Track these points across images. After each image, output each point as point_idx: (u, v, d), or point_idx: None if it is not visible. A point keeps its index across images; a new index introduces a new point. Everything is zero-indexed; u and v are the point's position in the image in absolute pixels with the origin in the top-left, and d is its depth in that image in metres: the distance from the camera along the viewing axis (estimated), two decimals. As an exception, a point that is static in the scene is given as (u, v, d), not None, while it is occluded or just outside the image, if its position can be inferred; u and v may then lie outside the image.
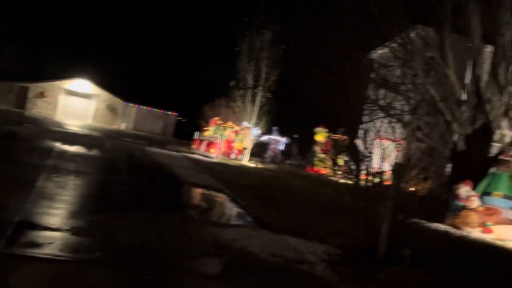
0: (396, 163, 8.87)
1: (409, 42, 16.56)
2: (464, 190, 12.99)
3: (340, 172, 26.21)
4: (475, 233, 12.07)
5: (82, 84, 41.83)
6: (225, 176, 15.60)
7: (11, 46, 35.77)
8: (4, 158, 11.16)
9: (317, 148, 27.14)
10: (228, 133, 24.78)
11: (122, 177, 11.84)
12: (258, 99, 25.14)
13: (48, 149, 14.43)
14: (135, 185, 11.23)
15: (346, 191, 9.89)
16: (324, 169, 25.84)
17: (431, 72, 18.11)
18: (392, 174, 8.49)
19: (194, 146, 24.20)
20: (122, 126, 42.18)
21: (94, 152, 16.03)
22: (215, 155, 23.09)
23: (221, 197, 11.82)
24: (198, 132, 27.42)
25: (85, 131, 26.39)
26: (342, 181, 22.96)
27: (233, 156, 25.41)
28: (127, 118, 43.62)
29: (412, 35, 16.86)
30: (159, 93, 45.57)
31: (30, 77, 41.16)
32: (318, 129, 27.25)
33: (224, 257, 6.42)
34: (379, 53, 18.73)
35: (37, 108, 40.96)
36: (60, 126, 26.63)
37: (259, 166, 23.40)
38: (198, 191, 12.22)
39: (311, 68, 14.22)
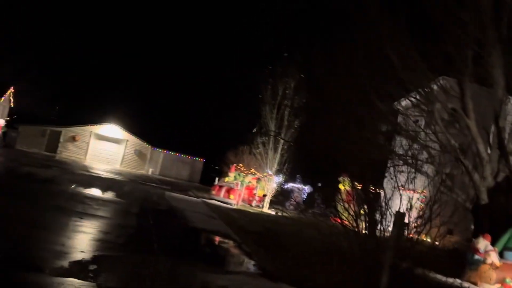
0: (396, 212, 8.55)
1: (429, 92, 16.31)
2: (482, 244, 12.43)
3: (361, 223, 25.72)
4: (492, 289, 11.47)
5: (111, 129, 42.55)
6: (239, 223, 15.38)
7: (42, 91, 36.91)
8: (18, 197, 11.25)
9: (340, 198, 26.61)
10: (249, 180, 24.61)
11: (128, 221, 11.72)
12: (280, 146, 25.03)
13: (63, 191, 14.56)
14: (140, 229, 11.09)
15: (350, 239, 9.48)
16: (346, 220, 25.37)
17: (452, 123, 17.77)
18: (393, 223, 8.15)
19: (213, 192, 24.06)
20: (149, 171, 42.45)
21: (108, 195, 16.05)
22: (234, 201, 22.89)
23: (227, 243, 11.59)
24: (218, 178, 27.34)
25: (109, 175, 26.61)
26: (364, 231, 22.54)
27: (254, 203, 25.17)
28: (155, 163, 43.94)
29: (433, 85, 16.64)
30: (188, 139, 45.91)
31: (62, 121, 42.18)
32: (341, 178, 26.85)
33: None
34: (403, 104, 18.46)
35: (68, 152, 41.70)
36: (86, 170, 26.97)
37: (279, 214, 23.05)
38: (204, 237, 12.02)
39: (332, 116, 14.13)
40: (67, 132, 42.33)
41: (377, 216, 11.08)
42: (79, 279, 6.08)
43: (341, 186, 27.11)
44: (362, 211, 14.90)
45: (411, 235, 23.04)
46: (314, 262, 9.84)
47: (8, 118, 33.93)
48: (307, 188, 29.99)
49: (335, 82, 13.79)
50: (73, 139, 42.39)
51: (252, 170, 25.56)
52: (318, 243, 12.94)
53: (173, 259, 8.47)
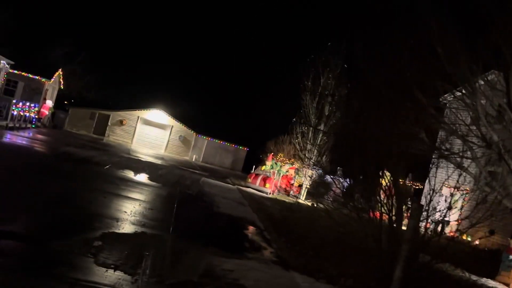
0: (413, 203, 8.19)
1: (474, 86, 15.60)
2: (516, 244, 11.84)
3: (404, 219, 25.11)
4: (526, 293, 10.90)
5: (157, 115, 43.12)
6: (268, 211, 15.22)
7: (92, 75, 37.87)
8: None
9: (380, 192, 26.06)
10: (286, 169, 24.37)
11: (152, 202, 11.76)
12: (319, 137, 24.64)
13: (98, 171, 14.85)
14: (162, 211, 11.11)
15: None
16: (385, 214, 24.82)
17: (498, 119, 16.98)
18: (410, 215, 7.80)
19: (249, 180, 23.97)
20: (193, 157, 42.81)
21: (140, 177, 16.21)
22: (270, 190, 22.74)
23: (248, 230, 11.47)
24: (255, 167, 27.23)
25: (149, 159, 26.97)
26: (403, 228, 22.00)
27: (291, 193, 24.94)
28: (199, 150, 44.28)
29: (481, 80, 15.95)
30: (232, 128, 46.00)
31: (110, 105, 43.06)
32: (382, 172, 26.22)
33: (200, 287, 6.06)
34: (449, 100, 17.70)
35: (115, 136, 42.56)
36: (128, 153, 27.42)
37: (315, 205, 22.73)
38: (226, 221, 11.94)
39: (374, 110, 13.82)
40: (115, 115, 43.16)
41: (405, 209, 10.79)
42: (81, 254, 6.12)
43: (382, 181, 26.57)
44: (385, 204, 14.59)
45: (452, 234, 22.33)
46: (332, 253, 9.60)
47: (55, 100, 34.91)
48: (347, 181, 29.50)
49: (378, 75, 13.43)
50: (121, 123, 43.19)
51: (291, 160, 25.32)
52: (343, 236, 12.66)
53: (186, 241, 8.42)
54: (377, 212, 26.33)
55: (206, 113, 53.37)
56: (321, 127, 24.46)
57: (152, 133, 43.92)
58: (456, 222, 23.14)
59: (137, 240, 7.69)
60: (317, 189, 28.11)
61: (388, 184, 11.61)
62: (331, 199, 28.15)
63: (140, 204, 10.88)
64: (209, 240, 8.85)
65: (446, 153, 16.46)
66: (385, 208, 9.91)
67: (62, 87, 34.83)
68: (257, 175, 24.09)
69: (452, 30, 15.93)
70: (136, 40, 65.70)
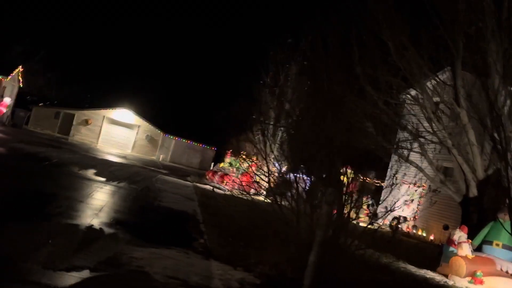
0: (329, 189, 8.07)
1: (422, 82, 15.63)
2: (457, 235, 11.83)
3: (362, 216, 25.12)
4: (462, 282, 10.88)
5: (124, 114, 42.65)
6: (216, 206, 15.01)
7: (53, 73, 37.21)
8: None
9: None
10: (246, 167, 24.17)
11: (85, 195, 11.47)
12: (279, 134, 24.50)
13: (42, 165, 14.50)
14: (93, 203, 10.80)
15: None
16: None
17: (448, 116, 17.08)
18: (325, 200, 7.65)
19: (207, 177, 23.76)
20: (160, 157, 42.41)
21: (87, 173, 15.88)
22: (227, 187, 22.53)
23: (185, 222, 11.24)
24: (213, 164, 27.03)
25: (109, 157, 26.55)
26: (362, 225, 22.00)
27: (252, 191, 24.74)
28: (166, 150, 43.90)
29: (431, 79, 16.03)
30: (199, 127, 45.60)
31: (75, 104, 42.42)
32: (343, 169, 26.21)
33: (102, 273, 5.82)
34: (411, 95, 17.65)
35: (81, 135, 41.96)
36: (87, 152, 26.96)
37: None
38: (163, 214, 11.70)
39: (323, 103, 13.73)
40: (80, 115, 42.60)
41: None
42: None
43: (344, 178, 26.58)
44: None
45: (408, 229, 22.32)
46: (264, 245, 9.40)
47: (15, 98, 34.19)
48: (310, 179, 29.43)
49: (327, 68, 13.35)
50: (86, 122, 42.61)
51: (249, 157, 25.13)
52: (284, 228, 12.49)
53: (102, 231, 8.14)
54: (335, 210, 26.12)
55: (175, 112, 52.92)
56: (281, 123, 24.34)
57: (118, 133, 43.43)
58: (412, 218, 23.14)
59: (48, 228, 7.41)
60: (279, 187, 28.03)
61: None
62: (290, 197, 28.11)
63: (68, 195, 10.59)
64: (131, 230, 8.60)
65: (392, 146, 16.52)
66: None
67: (21, 85, 34.17)
68: (215, 172, 23.84)
69: (399, 23, 16.00)
70: (99, 36, 64.72)
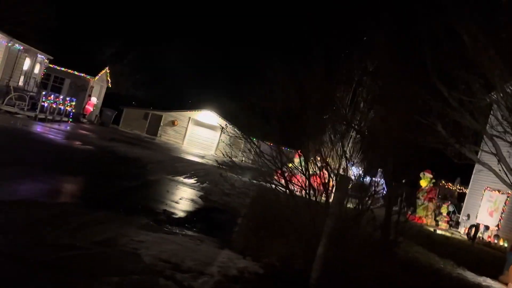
0: (340, 175, 7.46)
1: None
2: (520, 242, 10.63)
3: (442, 223, 23.61)
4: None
5: (208, 116, 43.36)
6: (266, 205, 14.62)
7: (141, 74, 38.65)
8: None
9: (420, 195, 24.81)
10: (317, 168, 23.56)
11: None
12: (352, 134, 23.63)
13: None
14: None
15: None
16: (425, 218, 23.44)
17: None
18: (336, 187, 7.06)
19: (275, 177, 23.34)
20: (242, 160, 42.65)
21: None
22: (295, 188, 22.03)
23: (226, 216, 11.02)
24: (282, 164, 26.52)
25: (191, 158, 27.02)
26: (441, 232, 20.72)
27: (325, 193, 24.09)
28: (249, 152, 44.06)
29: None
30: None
31: (162, 105, 43.79)
32: (423, 173, 24.92)
33: (89, 253, 5.68)
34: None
35: (167, 136, 43.22)
36: (176, 153, 27.60)
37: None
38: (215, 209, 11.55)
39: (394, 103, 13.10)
40: (167, 116, 43.84)
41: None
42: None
43: (421, 183, 25.15)
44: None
45: (489, 239, 20.71)
46: (286, 236, 8.93)
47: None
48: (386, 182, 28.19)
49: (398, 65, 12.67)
50: (173, 123, 43.78)
51: (327, 159, 24.47)
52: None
53: (120, 214, 8.07)
54: (417, 216, 24.74)
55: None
56: (355, 124, 23.49)
57: (203, 134, 44.20)
58: (495, 227, 21.29)
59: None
60: (357, 191, 27.08)
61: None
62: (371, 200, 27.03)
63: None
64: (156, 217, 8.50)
65: (461, 146, 15.30)
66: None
67: (110, 86, 35.77)
68: (283, 172, 23.43)
69: (476, 16, 14.79)
70: (184, 39, 66.22)
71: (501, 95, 14.61)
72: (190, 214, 10.22)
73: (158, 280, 5.29)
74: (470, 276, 10.60)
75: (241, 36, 71.65)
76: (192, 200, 12.21)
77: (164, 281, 5.29)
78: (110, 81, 35.25)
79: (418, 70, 13.09)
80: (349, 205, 16.86)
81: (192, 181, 15.83)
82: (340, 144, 23.86)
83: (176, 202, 11.19)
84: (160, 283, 5.22)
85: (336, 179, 12.23)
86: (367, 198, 8.26)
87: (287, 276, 6.56)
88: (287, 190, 9.59)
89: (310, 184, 9.95)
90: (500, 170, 16.32)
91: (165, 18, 63.12)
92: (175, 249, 6.66)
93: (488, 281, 10.47)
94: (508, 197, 20.54)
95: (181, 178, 15.73)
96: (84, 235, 6.32)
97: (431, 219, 23.38)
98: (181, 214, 9.94)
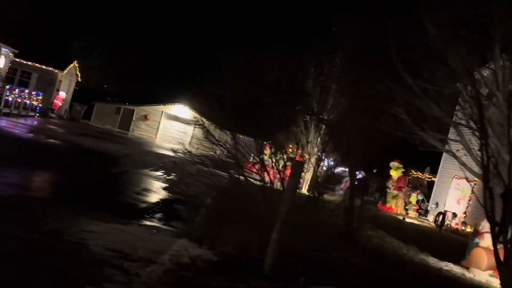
0: (295, 161, 7.43)
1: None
2: (481, 226, 10.73)
3: (411, 211, 23.81)
4: (482, 275, 9.83)
5: (181, 110, 43.01)
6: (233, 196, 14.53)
7: (111, 68, 38.11)
8: None
9: (390, 184, 24.99)
10: (287, 160, 23.49)
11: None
12: (323, 127, 23.61)
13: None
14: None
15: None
16: (395, 207, 23.63)
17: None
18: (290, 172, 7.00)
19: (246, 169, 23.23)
20: (217, 153, 42.42)
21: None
22: (267, 179, 21.96)
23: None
24: (252, 156, 26.47)
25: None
26: (410, 221, 20.90)
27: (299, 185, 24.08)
28: (221, 146, 43.85)
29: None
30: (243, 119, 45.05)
31: (134, 100, 43.28)
32: (393, 163, 25.09)
33: (35, 244, 5.52)
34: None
35: (140, 130, 42.73)
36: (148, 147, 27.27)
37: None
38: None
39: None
40: (140, 111, 43.34)
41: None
42: None
43: (391, 172, 25.33)
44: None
45: (457, 226, 20.91)
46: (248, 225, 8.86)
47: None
48: (360, 174, 28.33)
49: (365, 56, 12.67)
50: (145, 118, 43.34)
51: (293, 150, 24.46)
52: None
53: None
54: (387, 205, 24.76)
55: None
56: (324, 116, 23.46)
57: (176, 128, 43.84)
58: (462, 214, 21.52)
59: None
60: (328, 182, 27.16)
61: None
62: (341, 192, 27.19)
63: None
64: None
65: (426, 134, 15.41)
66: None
67: (80, 80, 35.18)
68: (254, 163, 23.33)
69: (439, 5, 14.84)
70: (157, 33, 65.31)
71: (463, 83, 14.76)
72: (150, 205, 10.08)
73: (103, 269, 5.16)
74: (433, 261, 10.67)
75: (213, 30, 71.04)
76: (155, 192, 12.06)
77: (110, 270, 5.15)
78: (80, 75, 34.63)
79: (384, 59, 13.12)
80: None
81: (158, 173, 15.66)
82: (310, 135, 23.81)
83: (138, 194, 11.04)
84: (105, 272, 5.09)
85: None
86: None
87: (242, 263, 6.48)
88: (254, 180, 9.51)
89: (266, 171, 9.92)
90: (464, 156, 16.53)
91: (136, 11, 62.29)
92: (127, 239, 6.53)
93: (450, 265, 10.54)
94: (475, 184, 20.81)
95: (147, 171, 15.55)
96: (36, 227, 6.16)
97: (401, 208, 23.56)
98: (141, 205, 9.80)
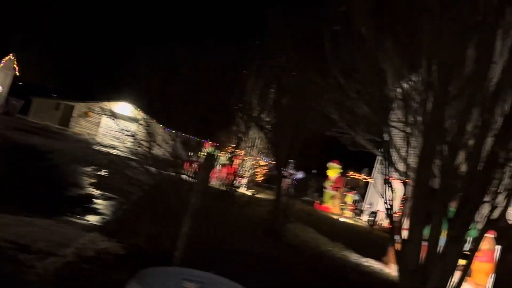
0: (207, 154, 7.42)
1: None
2: (403, 224, 10.98)
3: (347, 211, 24.21)
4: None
5: (124, 107, 42.27)
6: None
7: (50, 63, 37.04)
8: None
9: (327, 184, 25.35)
10: (228, 159, 23.44)
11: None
12: (265, 126, 23.67)
13: None
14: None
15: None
16: (332, 207, 23.98)
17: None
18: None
19: (184, 167, 23.02)
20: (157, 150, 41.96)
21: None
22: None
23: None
24: (191, 153, 26.31)
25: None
26: (344, 220, 21.23)
27: (236, 183, 24.04)
28: (166, 144, 43.37)
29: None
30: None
31: (75, 96, 42.26)
32: (331, 164, 25.46)
33: None
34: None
35: (80, 127, 41.73)
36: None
37: (259, 195, 21.80)
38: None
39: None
40: (80, 107, 42.34)
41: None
42: None
43: (329, 173, 25.71)
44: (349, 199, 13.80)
45: (389, 225, 21.34)
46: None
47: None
48: (300, 174, 28.62)
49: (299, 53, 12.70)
50: (86, 114, 42.39)
51: (233, 150, 24.42)
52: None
53: None
54: (324, 205, 25.04)
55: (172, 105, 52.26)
56: (265, 116, 23.53)
57: (118, 126, 42.97)
58: (395, 215, 22.10)
59: None
60: (268, 181, 27.27)
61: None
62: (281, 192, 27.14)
63: None
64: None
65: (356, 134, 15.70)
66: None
67: (17, 73, 33.98)
68: (192, 162, 23.14)
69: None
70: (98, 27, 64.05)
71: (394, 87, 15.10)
72: (69, 199, 9.80)
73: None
74: (355, 257, 10.87)
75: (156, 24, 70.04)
76: (80, 187, 11.75)
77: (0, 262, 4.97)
78: (17, 69, 33.43)
79: (320, 59, 13.25)
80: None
81: (89, 169, 15.27)
82: (249, 135, 23.79)
83: (62, 188, 10.72)
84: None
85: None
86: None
87: (150, 256, 6.37)
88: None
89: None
90: (395, 157, 16.89)
91: (79, 4, 60.78)
92: (30, 231, 6.31)
93: (371, 261, 10.76)
94: (406, 185, 21.39)
95: (78, 167, 15.13)
96: None
97: (338, 207, 23.94)
98: (61, 199, 9.53)
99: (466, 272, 5.43)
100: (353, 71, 16.00)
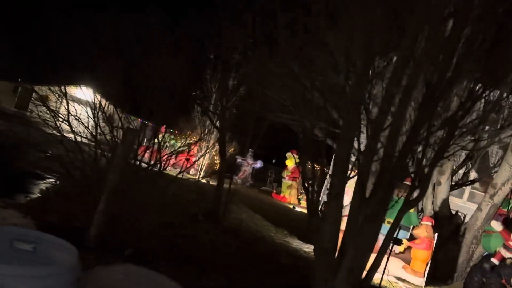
0: (128, 128, 7.18)
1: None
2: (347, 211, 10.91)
3: (303, 201, 24.14)
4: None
5: (84, 91, 41.40)
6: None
7: (10, 43, 35.79)
8: None
9: (285, 174, 25.24)
10: (182, 145, 23.09)
11: None
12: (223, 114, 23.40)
13: None
14: None
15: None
16: (289, 196, 23.88)
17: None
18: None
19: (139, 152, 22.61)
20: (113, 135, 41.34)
21: None
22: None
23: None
24: (147, 139, 25.90)
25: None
26: (300, 210, 21.13)
27: (192, 171, 23.74)
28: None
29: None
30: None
31: (34, 79, 41.14)
32: (289, 154, 25.35)
33: None
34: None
35: (39, 111, 40.69)
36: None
37: (213, 183, 21.55)
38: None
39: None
40: (39, 91, 41.18)
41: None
42: None
43: (287, 162, 25.59)
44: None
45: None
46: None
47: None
48: (258, 163, 28.48)
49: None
50: (45, 98, 41.25)
51: (188, 136, 24.12)
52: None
53: None
54: (281, 194, 24.80)
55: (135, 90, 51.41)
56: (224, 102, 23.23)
57: (77, 110, 42.13)
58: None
59: None
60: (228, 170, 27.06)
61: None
62: (239, 180, 27.00)
63: None
64: None
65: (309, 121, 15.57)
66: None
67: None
68: (147, 147, 22.73)
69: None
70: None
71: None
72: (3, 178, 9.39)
73: None
74: (296, 243, 10.73)
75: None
76: (18, 167, 11.29)
77: None
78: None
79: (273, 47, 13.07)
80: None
81: (34, 150, 14.74)
82: (207, 123, 23.33)
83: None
84: None
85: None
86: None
87: (63, 233, 6.07)
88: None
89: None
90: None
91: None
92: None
93: (311, 248, 10.63)
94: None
95: (25, 147, 14.55)
96: None
97: (294, 197, 23.87)
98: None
99: (383, 253, 5.30)
100: (307, 59, 15.81)
